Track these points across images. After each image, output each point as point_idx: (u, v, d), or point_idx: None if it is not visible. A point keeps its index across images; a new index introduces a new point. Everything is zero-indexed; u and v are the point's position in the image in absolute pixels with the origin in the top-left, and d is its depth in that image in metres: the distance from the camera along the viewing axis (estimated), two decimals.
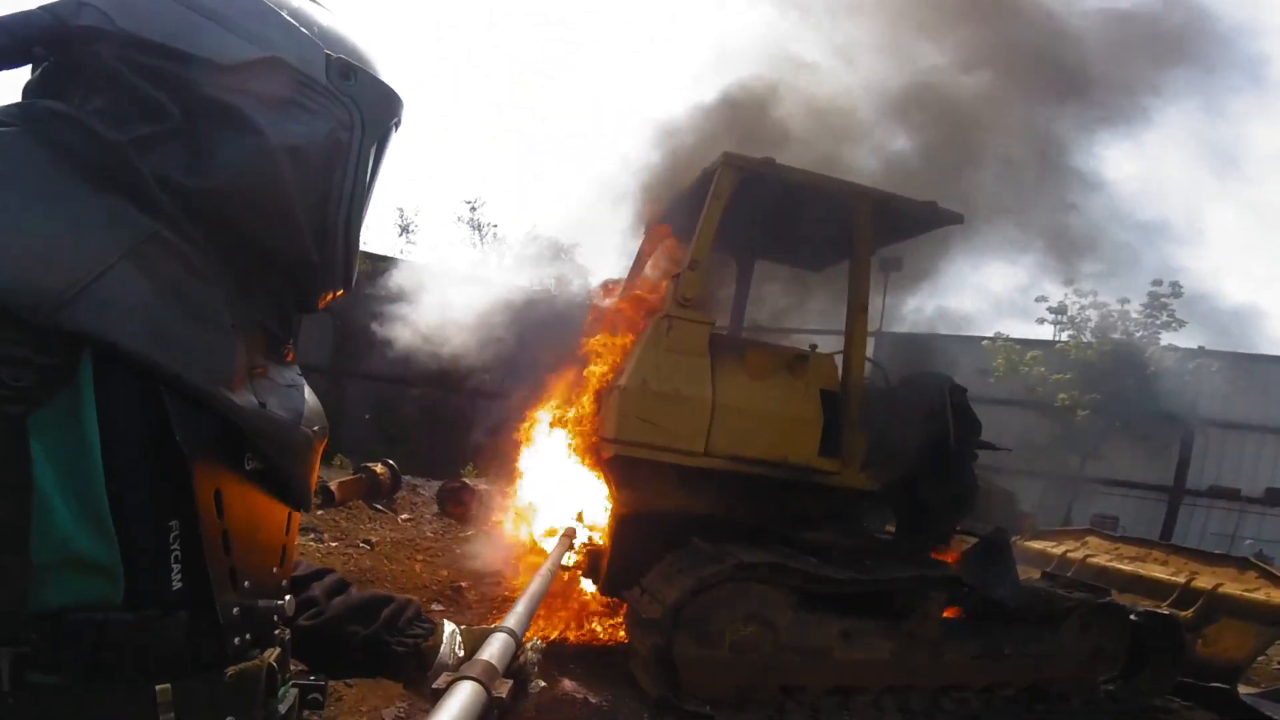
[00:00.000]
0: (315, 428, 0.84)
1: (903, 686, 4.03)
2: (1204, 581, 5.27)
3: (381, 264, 12.46)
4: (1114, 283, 12.15)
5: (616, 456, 3.93)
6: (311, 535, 6.33)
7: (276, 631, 0.84)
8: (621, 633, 4.14)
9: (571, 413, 4.55)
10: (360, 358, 12.53)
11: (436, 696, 0.80)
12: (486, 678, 0.86)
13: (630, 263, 5.29)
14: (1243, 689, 5.04)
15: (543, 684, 1.03)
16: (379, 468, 8.42)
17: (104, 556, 0.62)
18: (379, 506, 8.02)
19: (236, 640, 0.74)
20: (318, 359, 12.26)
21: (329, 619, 1.00)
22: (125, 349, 0.61)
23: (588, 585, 4.51)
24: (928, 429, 4.07)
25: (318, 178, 0.79)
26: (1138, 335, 12.66)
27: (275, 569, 0.82)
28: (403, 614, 1.09)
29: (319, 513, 7.23)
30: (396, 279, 12.21)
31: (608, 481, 4.17)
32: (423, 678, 1.05)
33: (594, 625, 4.40)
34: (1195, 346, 12.72)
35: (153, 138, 0.69)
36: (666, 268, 4.44)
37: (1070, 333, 13.16)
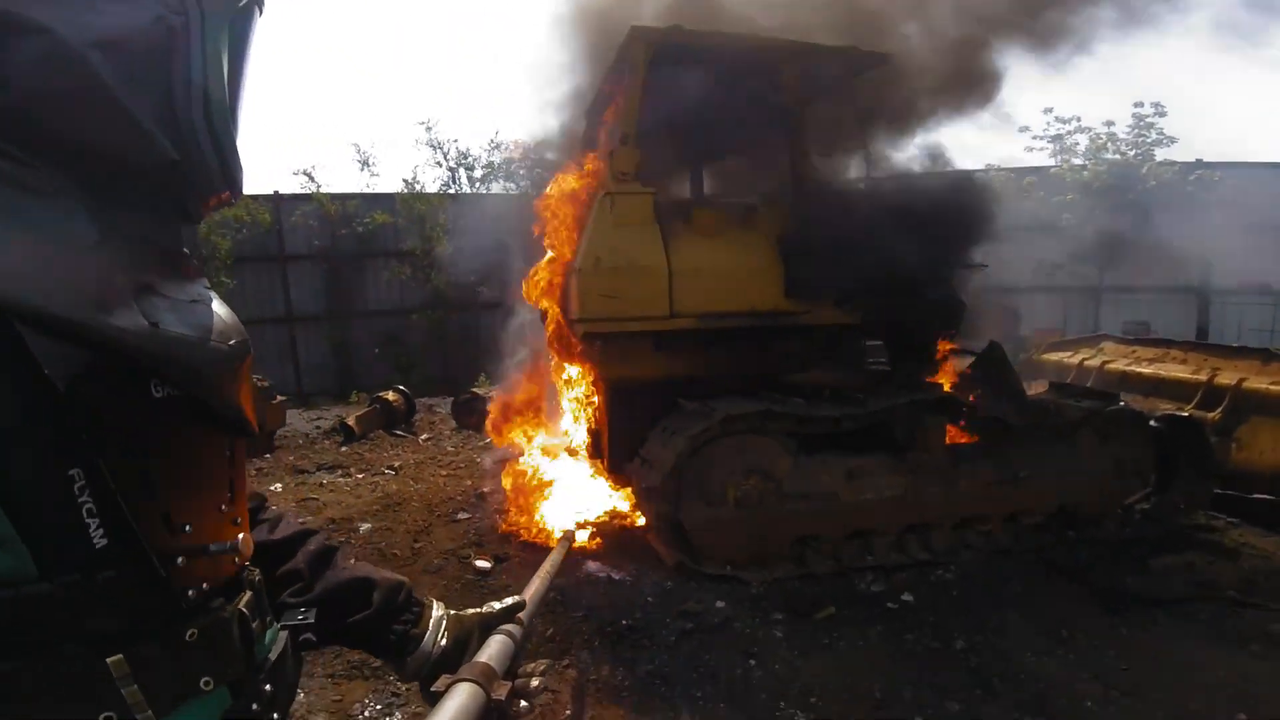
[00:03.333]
0: (231, 341, 0.75)
1: (922, 524, 3.97)
2: (1227, 378, 5.01)
3: (352, 202, 12.16)
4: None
5: (589, 335, 3.87)
6: (339, 472, 6.51)
7: (245, 574, 0.79)
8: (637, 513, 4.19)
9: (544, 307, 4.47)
10: (355, 296, 12.44)
11: (435, 699, 0.83)
12: (485, 680, 0.88)
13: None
14: None
15: (539, 684, 1.08)
16: (392, 395, 8.57)
17: None
18: (399, 432, 8.19)
19: (191, 593, 0.68)
20: (314, 308, 12.21)
21: (323, 601, 0.97)
22: None
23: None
24: (897, 254, 3.85)
25: (150, 70, 0.69)
26: (1131, 154, 12.33)
27: (223, 507, 0.76)
28: (396, 598, 1.07)
29: (343, 449, 7.40)
30: (373, 212, 11.98)
31: (589, 361, 4.12)
32: (403, 662, 1.06)
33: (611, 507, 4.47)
34: (1193, 159, 12.43)
35: None
36: (603, 148, 4.27)
37: (1062, 157, 12.87)
